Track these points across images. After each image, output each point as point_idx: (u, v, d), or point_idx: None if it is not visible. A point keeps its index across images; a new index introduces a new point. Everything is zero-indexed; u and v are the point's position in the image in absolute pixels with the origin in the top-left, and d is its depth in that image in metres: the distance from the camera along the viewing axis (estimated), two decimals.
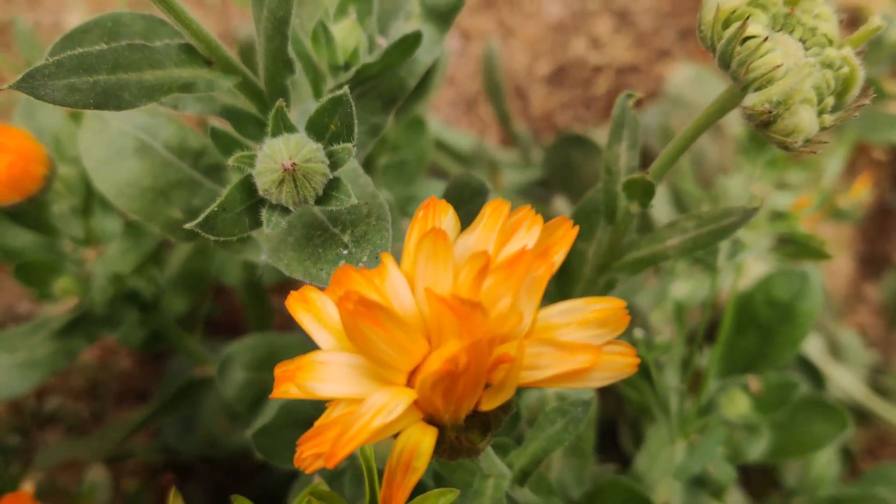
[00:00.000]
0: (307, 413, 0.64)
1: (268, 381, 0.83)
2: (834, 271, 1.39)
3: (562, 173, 1.18)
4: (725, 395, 0.86)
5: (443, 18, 0.56)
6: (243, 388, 0.81)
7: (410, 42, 0.52)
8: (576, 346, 0.33)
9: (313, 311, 0.36)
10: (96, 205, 0.78)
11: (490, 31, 1.68)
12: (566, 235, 0.35)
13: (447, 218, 0.37)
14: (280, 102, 0.43)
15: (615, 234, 0.56)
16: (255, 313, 1.01)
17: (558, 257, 0.35)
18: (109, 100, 0.41)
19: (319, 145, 0.43)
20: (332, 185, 0.43)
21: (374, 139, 0.59)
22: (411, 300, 0.35)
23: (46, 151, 0.68)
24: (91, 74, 0.41)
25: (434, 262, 0.33)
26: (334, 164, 0.43)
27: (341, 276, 0.34)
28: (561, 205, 1.28)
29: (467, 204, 0.60)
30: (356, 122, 0.43)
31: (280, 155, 0.42)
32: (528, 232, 0.35)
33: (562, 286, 0.64)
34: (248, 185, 0.44)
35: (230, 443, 1.14)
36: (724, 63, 0.43)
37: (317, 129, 0.44)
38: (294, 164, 0.41)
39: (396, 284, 0.35)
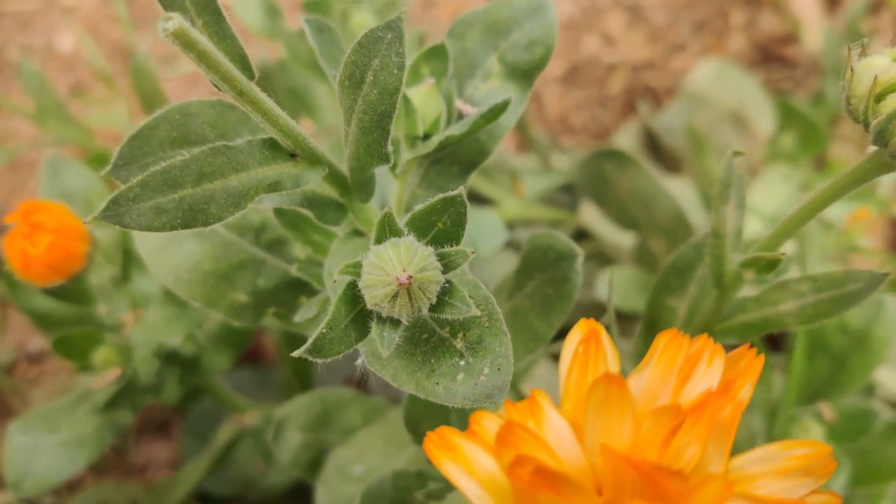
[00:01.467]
0: (391, 495, 0.60)
1: (324, 441, 0.79)
2: None
3: (596, 187, 1.14)
4: (797, 425, 0.82)
5: (525, 77, 0.51)
6: (300, 450, 0.77)
7: (498, 110, 0.47)
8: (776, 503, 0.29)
9: (461, 460, 0.32)
10: (133, 268, 0.73)
11: None
12: (751, 367, 0.31)
13: (610, 353, 0.33)
14: (388, 210, 0.38)
15: (721, 299, 0.52)
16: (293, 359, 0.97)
17: (744, 393, 0.30)
18: (196, 216, 0.37)
19: (431, 250, 0.39)
20: (446, 291, 0.39)
21: None
22: (579, 453, 0.30)
23: (87, 227, 0.63)
24: (176, 190, 0.36)
25: (608, 412, 0.29)
26: (446, 266, 0.39)
27: (506, 434, 0.30)
28: (589, 214, 1.24)
29: (552, 268, 0.56)
30: (467, 218, 0.39)
31: (392, 266, 0.37)
32: (710, 366, 0.31)
33: (649, 341, 0.60)
34: (352, 297, 0.39)
35: (265, 483, 1.10)
36: (882, 141, 0.39)
37: (420, 226, 0.40)
38: (410, 276, 0.37)
39: (560, 434, 0.31)
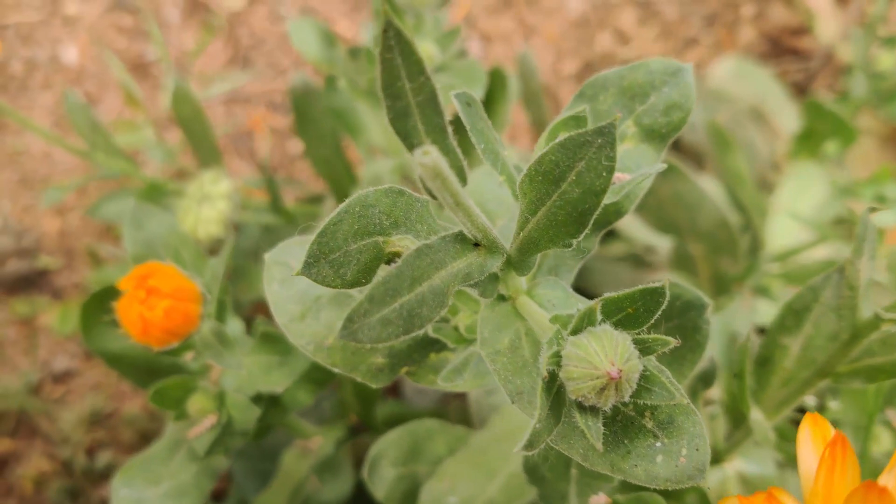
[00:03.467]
0: None
1: (415, 473, 0.81)
2: None
3: None
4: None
5: (662, 139, 0.52)
6: (394, 484, 0.78)
7: (647, 176, 0.48)
8: None
9: None
10: (225, 314, 0.73)
11: (511, 32, 1.63)
12: None
13: (853, 462, 0.34)
14: (594, 305, 0.39)
15: (850, 345, 0.54)
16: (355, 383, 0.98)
17: None
18: (413, 321, 0.37)
19: (628, 338, 0.40)
20: (643, 376, 0.40)
21: (580, 261, 0.56)
22: None
23: (198, 287, 0.63)
24: (396, 299, 0.37)
25: None
26: (642, 352, 0.40)
27: None
28: (638, 229, 1.26)
29: (679, 318, 0.57)
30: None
31: (599, 360, 0.38)
32: None
33: (760, 379, 0.62)
34: (552, 387, 0.40)
35: (319, 501, 1.11)
36: None
37: (609, 310, 0.41)
38: (620, 371, 0.38)
39: None
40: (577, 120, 0.51)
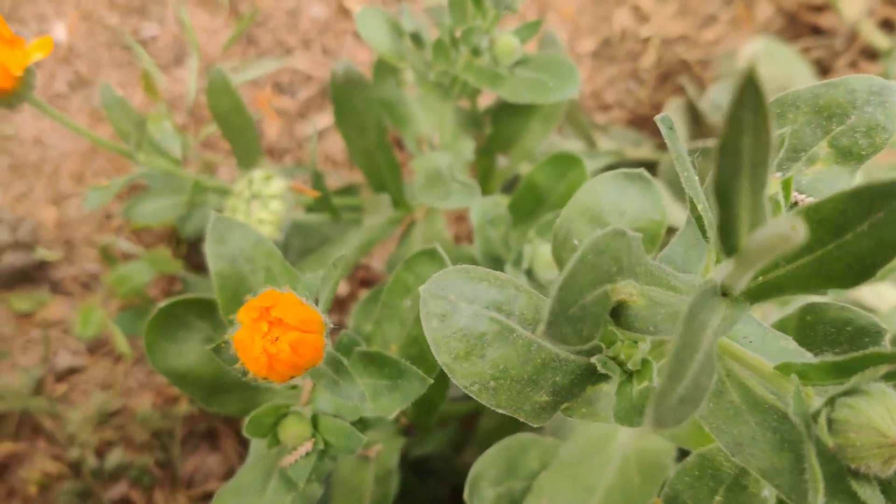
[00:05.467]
0: None
1: (512, 490, 0.77)
2: None
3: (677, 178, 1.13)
4: None
5: (858, 161, 0.49)
6: (495, 503, 0.75)
7: None
8: None
9: None
10: None
11: (525, 8, 1.57)
12: None
13: None
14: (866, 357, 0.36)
15: None
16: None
17: None
18: (700, 393, 0.34)
19: None
20: None
21: None
22: None
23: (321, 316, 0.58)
24: (686, 371, 0.33)
25: None
26: None
27: None
28: (677, 212, 1.23)
29: (848, 343, 0.54)
30: None
31: (888, 427, 0.35)
32: None
33: None
34: (827, 456, 0.37)
35: None
36: None
37: (843, 371, 0.38)
38: None
39: None
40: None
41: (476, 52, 0.81)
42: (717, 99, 1.41)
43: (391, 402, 0.66)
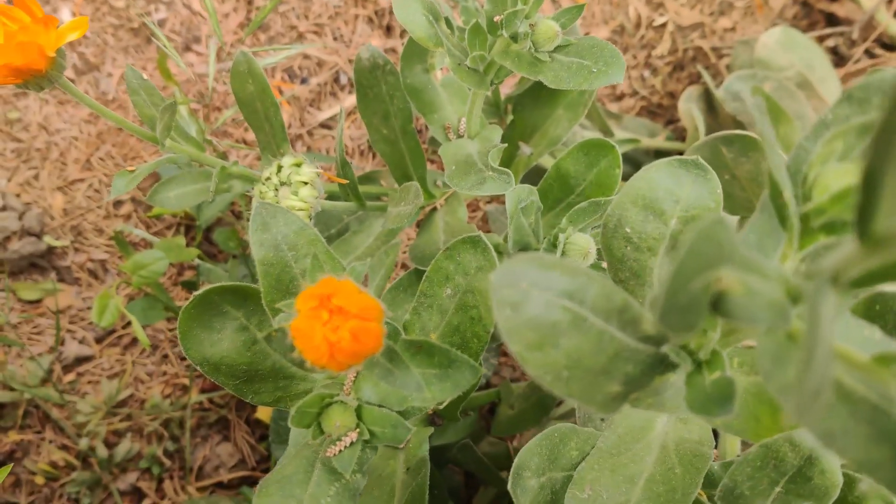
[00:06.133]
0: None
1: (553, 481, 0.77)
2: None
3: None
4: None
5: None
6: (537, 494, 0.74)
7: None
8: None
9: None
10: None
11: None
12: None
13: None
14: None
15: None
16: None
17: None
18: (825, 386, 0.33)
19: None
20: None
21: None
22: None
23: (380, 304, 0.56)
24: (814, 358, 0.32)
25: None
26: None
27: None
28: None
29: None
30: None
31: None
32: None
33: None
34: None
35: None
36: None
37: None
38: None
39: None
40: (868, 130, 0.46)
41: (515, 37, 0.79)
42: (733, 87, 1.40)
43: (441, 392, 0.64)
